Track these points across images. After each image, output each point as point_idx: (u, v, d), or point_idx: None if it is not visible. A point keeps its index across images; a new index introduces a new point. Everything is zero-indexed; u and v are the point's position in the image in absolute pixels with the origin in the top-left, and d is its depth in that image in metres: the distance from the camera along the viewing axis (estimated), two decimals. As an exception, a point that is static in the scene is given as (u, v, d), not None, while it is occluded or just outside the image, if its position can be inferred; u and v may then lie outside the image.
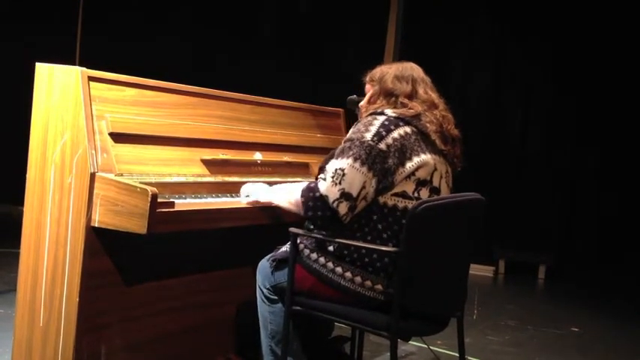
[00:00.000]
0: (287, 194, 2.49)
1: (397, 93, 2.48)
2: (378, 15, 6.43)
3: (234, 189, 2.73)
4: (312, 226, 2.43)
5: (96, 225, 2.29)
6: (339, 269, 2.37)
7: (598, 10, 6.33)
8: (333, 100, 3.72)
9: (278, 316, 2.53)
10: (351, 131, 2.43)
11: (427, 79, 2.55)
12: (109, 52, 6.30)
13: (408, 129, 2.38)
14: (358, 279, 2.35)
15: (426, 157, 2.38)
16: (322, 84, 6.70)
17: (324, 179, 2.34)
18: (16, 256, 2.55)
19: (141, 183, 2.25)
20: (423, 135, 2.41)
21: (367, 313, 2.34)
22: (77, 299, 2.32)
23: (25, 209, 2.45)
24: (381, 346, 3.72)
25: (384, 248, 2.30)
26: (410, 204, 2.31)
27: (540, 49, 6.61)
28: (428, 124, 2.42)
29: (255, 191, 2.64)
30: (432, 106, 2.47)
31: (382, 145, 2.32)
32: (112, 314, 2.47)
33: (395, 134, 2.35)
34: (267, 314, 2.57)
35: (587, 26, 6.39)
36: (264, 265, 2.58)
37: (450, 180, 2.51)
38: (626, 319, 5.11)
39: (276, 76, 6.69)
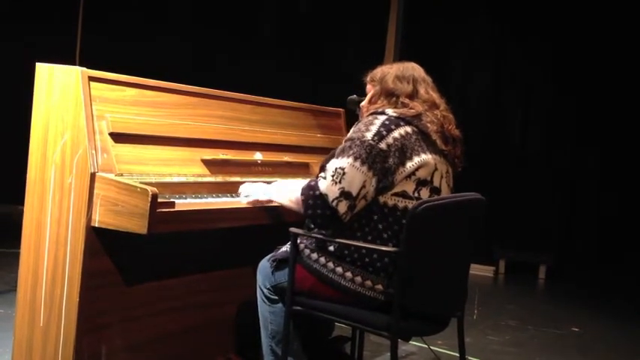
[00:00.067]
0: (288, 192, 2.49)
1: (398, 93, 2.48)
2: (378, 15, 6.43)
3: (234, 189, 2.73)
4: (312, 226, 2.43)
5: (96, 225, 2.29)
6: (339, 269, 2.37)
7: (598, 10, 6.33)
8: (334, 100, 3.72)
9: (278, 316, 2.53)
10: (351, 131, 2.43)
11: (428, 79, 2.55)
12: (109, 52, 6.29)
13: (408, 129, 2.38)
14: (358, 279, 2.35)
15: (426, 156, 2.38)
16: (322, 84, 6.70)
17: (324, 178, 2.34)
18: (16, 256, 2.55)
19: (141, 183, 2.25)
20: (423, 135, 2.41)
21: (367, 313, 2.34)
22: (77, 299, 2.32)
23: (25, 209, 2.45)
24: (382, 346, 3.72)
25: (384, 248, 2.30)
26: (410, 204, 2.31)
27: (540, 49, 6.61)
28: (429, 124, 2.42)
29: (255, 191, 2.64)
30: (433, 106, 2.47)
31: (382, 145, 2.32)
32: (112, 314, 2.47)
33: (395, 134, 2.35)
34: (268, 314, 2.57)
35: (587, 26, 6.39)
36: (264, 265, 2.58)
37: (450, 180, 2.51)
38: (626, 319, 5.11)
39: (276, 76, 6.69)
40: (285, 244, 2.53)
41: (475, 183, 2.99)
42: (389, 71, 2.54)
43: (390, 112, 2.43)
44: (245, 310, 2.92)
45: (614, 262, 6.49)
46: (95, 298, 2.38)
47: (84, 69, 2.37)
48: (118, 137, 2.41)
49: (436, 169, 2.41)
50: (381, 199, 2.34)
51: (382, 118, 2.40)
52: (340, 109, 3.67)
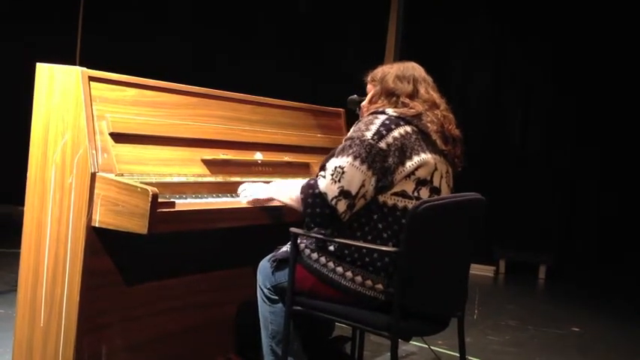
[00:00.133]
0: (288, 190, 2.49)
1: (398, 93, 2.48)
2: (378, 15, 6.43)
3: (234, 189, 2.73)
4: (312, 225, 2.43)
5: (96, 225, 2.29)
6: (339, 269, 2.37)
7: (598, 10, 6.33)
8: (334, 100, 3.72)
9: (279, 316, 2.53)
10: (351, 130, 2.43)
11: (429, 79, 2.55)
12: (109, 52, 6.29)
13: (408, 128, 2.39)
14: (359, 279, 2.35)
15: (426, 156, 2.38)
16: (322, 84, 6.70)
17: (324, 177, 2.34)
18: (16, 256, 2.55)
19: (141, 183, 2.25)
20: (423, 134, 2.41)
21: (368, 313, 2.34)
22: (78, 299, 2.32)
23: (25, 209, 2.45)
24: (382, 346, 3.72)
25: (384, 248, 2.30)
26: (410, 203, 2.31)
27: (540, 49, 6.61)
28: (429, 124, 2.42)
29: (255, 191, 2.64)
30: (433, 105, 2.48)
31: (382, 144, 2.32)
32: (112, 314, 2.47)
33: (395, 133, 2.35)
34: (268, 314, 2.57)
35: (587, 26, 6.39)
36: (264, 265, 2.58)
37: (450, 180, 2.51)
38: (626, 319, 5.11)
39: (276, 76, 6.69)
40: (285, 244, 2.53)
41: (475, 183, 2.99)
42: (389, 71, 2.54)
43: (390, 111, 2.43)
44: (245, 310, 2.92)
45: (614, 262, 6.48)
46: (95, 298, 2.38)
47: (84, 69, 2.37)
48: (119, 137, 2.41)
49: (436, 168, 2.41)
50: (381, 198, 2.34)
51: (382, 117, 2.40)
52: (340, 109, 3.67)
